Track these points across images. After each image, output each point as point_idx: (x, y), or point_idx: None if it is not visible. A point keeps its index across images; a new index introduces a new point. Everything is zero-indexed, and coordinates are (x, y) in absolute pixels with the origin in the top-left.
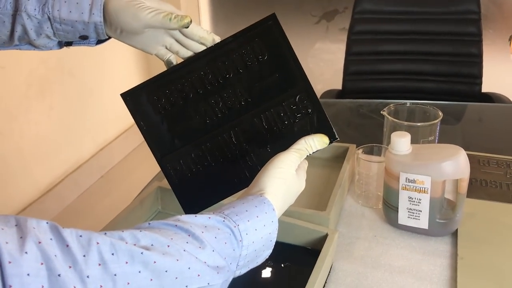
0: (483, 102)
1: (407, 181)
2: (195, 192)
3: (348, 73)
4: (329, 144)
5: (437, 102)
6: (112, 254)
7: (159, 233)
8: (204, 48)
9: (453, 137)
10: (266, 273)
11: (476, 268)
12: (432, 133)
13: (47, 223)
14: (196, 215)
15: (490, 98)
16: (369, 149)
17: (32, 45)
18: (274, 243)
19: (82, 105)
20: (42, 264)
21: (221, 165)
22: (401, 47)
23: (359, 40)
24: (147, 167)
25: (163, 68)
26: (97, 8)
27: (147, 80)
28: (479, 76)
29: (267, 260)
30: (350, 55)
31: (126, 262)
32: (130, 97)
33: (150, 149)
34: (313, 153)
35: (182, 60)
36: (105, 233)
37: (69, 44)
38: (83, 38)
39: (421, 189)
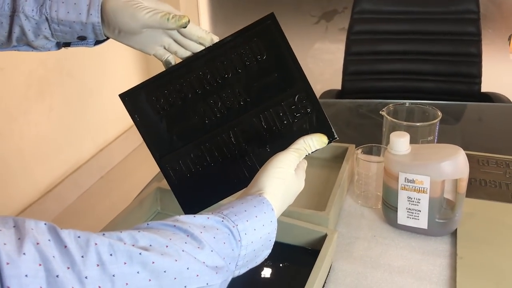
0: (482, 101)
1: (406, 181)
2: (195, 192)
3: (347, 73)
4: (328, 143)
5: (436, 102)
6: (111, 254)
7: (157, 234)
8: (202, 48)
9: (452, 137)
10: (266, 273)
11: (475, 268)
12: (431, 133)
13: (45, 224)
14: (195, 215)
15: (489, 97)
16: (368, 149)
17: (30, 46)
18: (273, 243)
19: (81, 106)
20: (40, 265)
21: (220, 165)
22: (400, 47)
23: (358, 40)
24: (147, 167)
25: (162, 68)
26: (95, 9)
27: (145, 81)
28: (479, 75)
29: (266, 260)
30: (349, 55)
31: (125, 263)
32: (129, 98)
33: (149, 149)
34: (312, 152)
35: (181, 60)
36: (104, 234)
37: (67, 45)
38: (81, 39)
39: (420, 189)
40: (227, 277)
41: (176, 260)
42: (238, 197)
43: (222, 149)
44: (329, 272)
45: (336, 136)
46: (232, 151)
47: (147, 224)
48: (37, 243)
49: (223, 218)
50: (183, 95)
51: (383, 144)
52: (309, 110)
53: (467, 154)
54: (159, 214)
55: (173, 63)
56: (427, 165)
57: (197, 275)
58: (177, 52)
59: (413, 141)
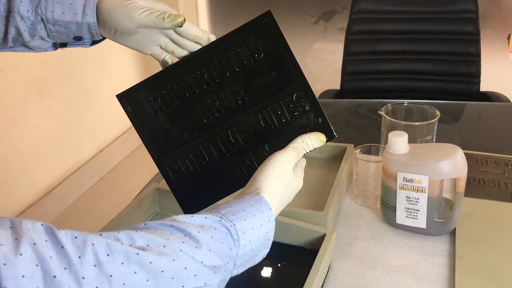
0: (481, 101)
1: (405, 180)
2: (194, 192)
3: (346, 73)
4: (327, 141)
5: (435, 102)
6: (108, 255)
7: (155, 234)
8: (199, 47)
9: (451, 136)
10: (264, 273)
11: (474, 267)
12: (429, 132)
13: (42, 224)
14: (193, 215)
15: (488, 97)
16: (367, 149)
17: (26, 46)
18: (271, 242)
19: (81, 107)
20: (37, 265)
21: (219, 164)
22: (399, 46)
23: (357, 40)
24: (147, 168)
25: (161, 68)
26: (90, 9)
27: (142, 81)
28: (477, 75)
29: (265, 260)
30: (348, 55)
31: (122, 263)
32: (126, 98)
33: (148, 150)
34: (310, 151)
35: (178, 60)
36: (101, 234)
37: (63, 45)
38: (78, 39)
39: (419, 188)
40: (225, 277)
41: (173, 260)
42: (236, 196)
43: (221, 148)
44: (327, 272)
45: (335, 135)
46: (231, 150)
47: (145, 224)
48: (34, 244)
49: (220, 217)
50: (180, 94)
51: (381, 144)
52: (307, 108)
53: (465, 154)
54: (158, 215)
55: (170, 62)
56: (425, 165)
57: (195, 275)
58: (174, 51)
59: (411, 140)
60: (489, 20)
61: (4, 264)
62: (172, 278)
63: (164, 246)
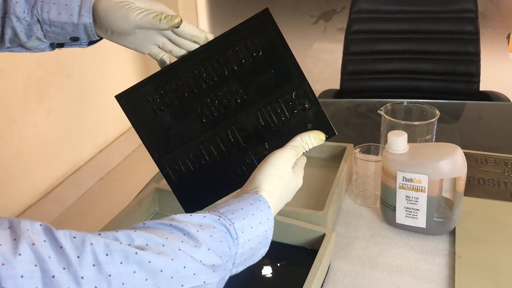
0: (481, 100)
1: (404, 180)
2: (194, 191)
3: (345, 72)
4: (327, 139)
5: (435, 101)
6: (107, 254)
7: (154, 233)
8: (197, 46)
9: (451, 136)
10: (264, 273)
11: (474, 267)
12: (429, 132)
13: (40, 225)
14: (191, 214)
15: (488, 96)
16: (366, 148)
17: (23, 47)
18: (270, 241)
19: (80, 107)
20: (36, 265)
21: (219, 163)
22: (399, 46)
23: (356, 40)
24: (147, 168)
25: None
26: (86, 10)
27: (141, 81)
28: (477, 74)
29: (264, 259)
30: (347, 54)
31: (121, 263)
32: (125, 99)
33: (148, 150)
34: (309, 149)
35: (176, 59)
36: (100, 234)
37: (61, 45)
38: (74, 40)
39: (419, 188)
40: (224, 276)
41: (172, 259)
42: (235, 195)
43: (221, 147)
44: (327, 271)
45: (335, 132)
46: (231, 149)
47: (144, 224)
48: (33, 244)
49: (219, 216)
50: (179, 94)
51: (381, 143)
52: (307, 106)
53: (465, 153)
54: (158, 215)
55: (168, 62)
56: (425, 164)
57: (194, 274)
58: (172, 51)
59: (411, 140)
60: (488, 20)
61: (3, 264)
62: (171, 277)
63: (163, 246)
